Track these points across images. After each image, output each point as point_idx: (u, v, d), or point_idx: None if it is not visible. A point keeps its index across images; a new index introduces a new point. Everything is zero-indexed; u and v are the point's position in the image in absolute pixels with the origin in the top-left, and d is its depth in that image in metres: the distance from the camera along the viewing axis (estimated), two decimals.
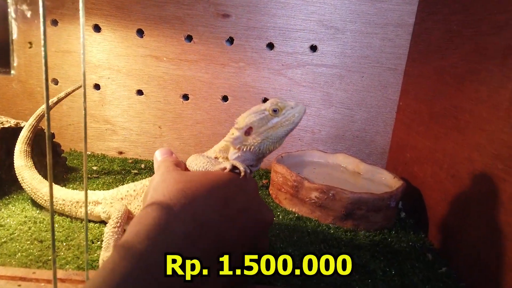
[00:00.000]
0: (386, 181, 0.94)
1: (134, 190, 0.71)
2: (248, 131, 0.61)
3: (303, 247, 0.73)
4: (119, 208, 0.68)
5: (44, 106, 0.85)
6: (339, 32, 1.02)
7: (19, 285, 0.54)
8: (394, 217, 0.87)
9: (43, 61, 0.44)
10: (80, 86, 0.89)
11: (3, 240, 0.66)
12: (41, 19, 0.42)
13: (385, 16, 1.00)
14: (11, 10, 0.44)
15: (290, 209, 0.88)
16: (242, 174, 0.54)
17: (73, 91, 0.87)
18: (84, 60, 0.49)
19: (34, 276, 0.56)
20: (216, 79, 1.06)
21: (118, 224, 0.65)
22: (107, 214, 0.72)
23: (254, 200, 0.54)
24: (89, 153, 1.13)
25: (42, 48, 0.44)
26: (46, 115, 0.45)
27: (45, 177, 0.80)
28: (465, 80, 0.73)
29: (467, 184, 0.70)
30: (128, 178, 0.96)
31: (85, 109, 0.51)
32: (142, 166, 1.05)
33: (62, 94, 0.87)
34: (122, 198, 0.71)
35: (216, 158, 0.64)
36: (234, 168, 0.54)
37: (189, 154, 0.61)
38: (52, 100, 0.88)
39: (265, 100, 1.06)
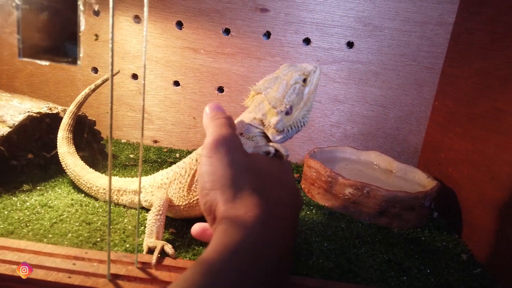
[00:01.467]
0: (419, 180, 0.94)
1: (167, 178, 0.73)
2: (289, 111, 0.61)
3: (338, 242, 0.74)
4: (161, 196, 0.70)
5: (83, 93, 0.87)
6: (377, 30, 1.02)
7: (74, 264, 0.57)
8: (427, 217, 0.87)
9: (110, 53, 0.46)
10: (117, 72, 0.91)
11: (53, 221, 0.69)
12: (110, 12, 0.44)
13: (425, 14, 0.99)
14: (80, 3, 0.47)
15: (323, 204, 0.89)
16: (285, 159, 0.54)
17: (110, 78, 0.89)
18: (145, 52, 0.51)
19: (87, 256, 0.59)
20: (252, 72, 1.08)
21: (161, 212, 0.67)
22: (148, 203, 0.74)
23: (294, 188, 0.53)
24: (125, 141, 1.17)
25: (110, 41, 0.46)
26: (110, 105, 0.47)
27: (86, 161, 0.83)
28: (510, 83, 0.72)
29: (507, 187, 0.69)
30: (164, 166, 0.99)
31: (143, 102, 0.53)
32: (177, 155, 1.08)
33: (99, 81, 0.88)
34: (158, 187, 0.73)
35: (241, 134, 0.62)
36: (275, 151, 0.54)
37: None
38: (90, 87, 0.89)
39: None
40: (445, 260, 0.72)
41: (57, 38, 0.47)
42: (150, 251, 0.63)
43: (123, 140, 1.16)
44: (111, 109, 0.48)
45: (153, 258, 0.59)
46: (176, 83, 1.11)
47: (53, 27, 0.47)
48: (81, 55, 0.48)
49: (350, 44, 1.04)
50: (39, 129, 0.84)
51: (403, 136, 1.09)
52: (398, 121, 1.08)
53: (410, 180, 0.96)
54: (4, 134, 0.74)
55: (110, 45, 0.45)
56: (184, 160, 0.72)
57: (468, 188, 0.83)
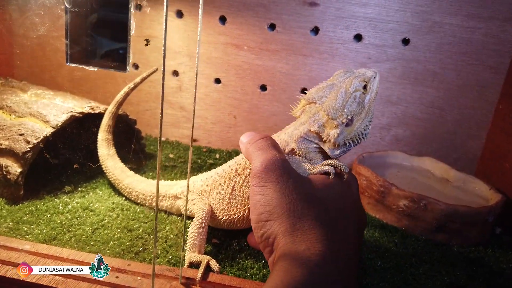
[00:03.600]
0: (480, 192, 0.86)
1: (207, 185, 0.69)
2: (349, 122, 0.56)
3: (392, 260, 0.68)
4: (202, 207, 0.65)
5: (122, 93, 0.83)
6: (437, 25, 0.93)
7: (117, 277, 0.54)
8: (489, 233, 0.79)
9: (162, 53, 0.42)
10: (156, 70, 0.87)
11: (95, 226, 0.67)
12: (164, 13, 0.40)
13: (491, 8, 0.90)
14: (131, 5, 0.43)
15: (374, 215, 0.83)
16: (346, 176, 0.51)
17: (148, 75, 0.84)
18: (199, 52, 0.47)
19: (130, 268, 0.56)
20: (297, 70, 1.02)
21: (203, 225, 0.63)
22: (189, 212, 0.70)
23: (359, 209, 0.51)
24: (164, 139, 1.14)
25: (163, 41, 0.41)
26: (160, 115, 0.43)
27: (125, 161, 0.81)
28: None
29: None
30: (204, 168, 0.95)
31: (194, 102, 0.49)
32: (217, 156, 1.04)
33: (138, 79, 0.84)
34: (199, 194, 0.69)
35: (292, 150, 0.58)
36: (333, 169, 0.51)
37: None
38: (129, 86, 0.85)
39: None
40: None
41: (105, 42, 0.44)
42: (192, 265, 0.60)
43: (162, 138, 1.14)
44: (161, 117, 0.44)
45: (198, 274, 0.56)
46: (217, 81, 1.07)
47: (102, 31, 0.43)
48: (130, 60, 0.44)
49: (405, 41, 0.96)
50: (80, 129, 0.83)
51: (461, 142, 1.01)
52: (456, 125, 0.99)
53: (470, 191, 0.88)
54: (48, 135, 0.72)
55: (163, 48, 0.41)
56: (223, 167, 0.68)
57: None
